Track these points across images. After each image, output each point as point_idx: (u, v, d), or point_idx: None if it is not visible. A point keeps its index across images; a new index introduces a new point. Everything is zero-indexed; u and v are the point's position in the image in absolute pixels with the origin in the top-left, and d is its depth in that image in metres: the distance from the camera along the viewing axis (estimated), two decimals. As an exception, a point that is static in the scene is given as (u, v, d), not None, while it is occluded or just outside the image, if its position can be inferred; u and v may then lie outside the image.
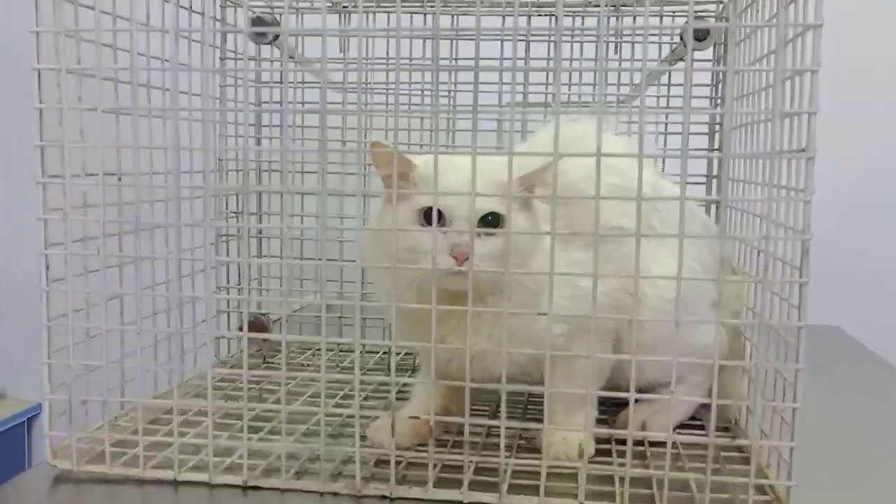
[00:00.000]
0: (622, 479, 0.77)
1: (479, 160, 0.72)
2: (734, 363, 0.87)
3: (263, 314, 1.18)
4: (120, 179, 0.86)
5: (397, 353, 1.20)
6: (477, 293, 0.76)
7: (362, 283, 1.19)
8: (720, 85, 1.17)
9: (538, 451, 0.84)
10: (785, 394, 0.74)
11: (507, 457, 0.76)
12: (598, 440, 0.89)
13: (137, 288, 0.84)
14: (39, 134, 0.80)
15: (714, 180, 1.20)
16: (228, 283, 1.23)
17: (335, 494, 0.78)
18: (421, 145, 1.25)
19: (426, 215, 0.78)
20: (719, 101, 1.16)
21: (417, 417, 0.77)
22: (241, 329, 1.14)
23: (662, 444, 0.88)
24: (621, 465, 0.80)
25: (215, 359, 1.22)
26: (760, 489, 0.75)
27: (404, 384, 0.99)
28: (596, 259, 0.71)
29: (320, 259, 0.80)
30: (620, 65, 1.18)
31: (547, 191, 0.78)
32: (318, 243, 0.75)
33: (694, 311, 0.89)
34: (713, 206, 1.18)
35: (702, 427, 0.94)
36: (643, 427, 0.90)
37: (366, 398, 1.06)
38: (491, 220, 0.79)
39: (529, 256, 0.80)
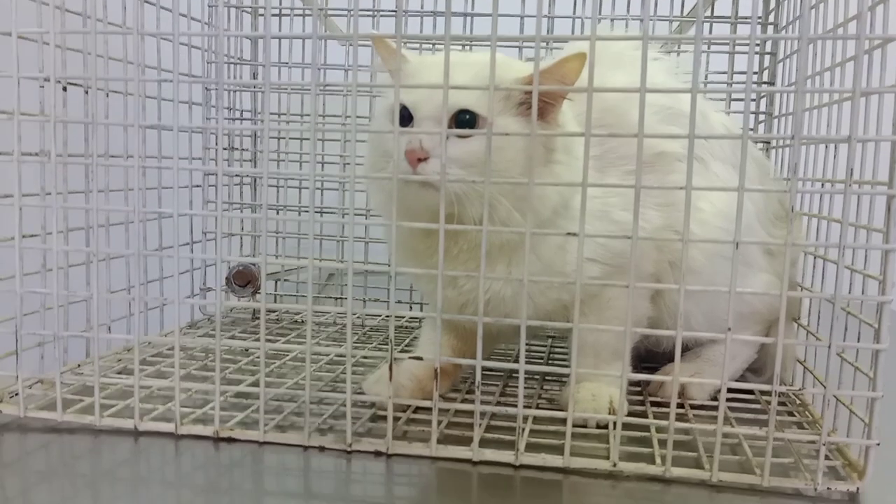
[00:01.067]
0: (662, 442, 0.65)
1: (474, 56, 0.60)
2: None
3: (254, 263, 1.07)
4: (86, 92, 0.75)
5: (399, 318, 1.11)
6: (461, 218, 0.63)
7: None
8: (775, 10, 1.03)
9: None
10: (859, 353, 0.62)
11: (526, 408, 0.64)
12: (630, 401, 0.78)
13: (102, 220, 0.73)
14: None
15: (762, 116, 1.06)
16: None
17: (321, 449, 0.66)
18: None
19: (402, 117, 0.65)
20: (771, 24, 1.03)
21: (420, 358, 0.65)
22: (226, 280, 1.04)
23: (703, 406, 0.77)
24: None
25: (199, 312, 1.11)
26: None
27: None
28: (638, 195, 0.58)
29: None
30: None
31: (573, 98, 0.66)
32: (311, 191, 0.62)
33: (746, 259, 0.77)
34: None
35: (749, 391, 0.81)
36: (682, 390, 0.78)
37: (364, 356, 0.93)
38: (467, 120, 0.64)
39: (523, 173, 0.62)
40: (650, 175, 0.71)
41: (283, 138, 1.14)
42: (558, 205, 0.66)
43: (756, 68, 1.03)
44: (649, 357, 0.84)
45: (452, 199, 0.62)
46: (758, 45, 1.01)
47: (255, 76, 1.14)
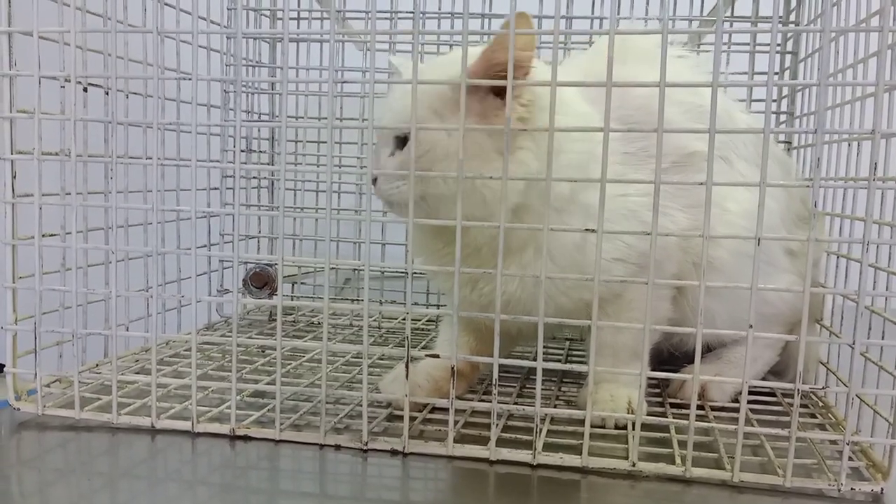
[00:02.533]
0: (682, 443, 0.64)
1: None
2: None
3: (271, 265, 1.07)
4: (107, 93, 0.76)
5: (415, 321, 1.10)
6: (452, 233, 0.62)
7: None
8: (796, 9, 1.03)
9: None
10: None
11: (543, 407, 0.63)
12: (649, 402, 0.76)
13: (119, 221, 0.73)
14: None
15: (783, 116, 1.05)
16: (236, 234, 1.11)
17: (337, 448, 0.65)
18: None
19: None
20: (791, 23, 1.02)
21: (437, 356, 0.65)
22: (243, 282, 1.05)
23: (724, 408, 0.76)
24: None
25: (216, 314, 1.11)
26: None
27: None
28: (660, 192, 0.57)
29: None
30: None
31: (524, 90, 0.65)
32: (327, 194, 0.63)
33: (769, 259, 0.76)
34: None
35: (771, 394, 0.80)
36: (702, 392, 0.77)
37: (381, 357, 0.93)
38: (400, 139, 0.68)
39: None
40: (679, 175, 0.70)
41: (301, 141, 1.14)
42: (527, 195, 0.66)
43: (777, 67, 1.02)
44: (670, 360, 0.83)
45: (404, 210, 0.64)
46: (778, 44, 1.01)
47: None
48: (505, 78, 0.58)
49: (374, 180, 0.68)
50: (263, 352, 0.95)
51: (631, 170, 0.69)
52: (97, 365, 0.82)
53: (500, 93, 0.63)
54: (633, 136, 0.66)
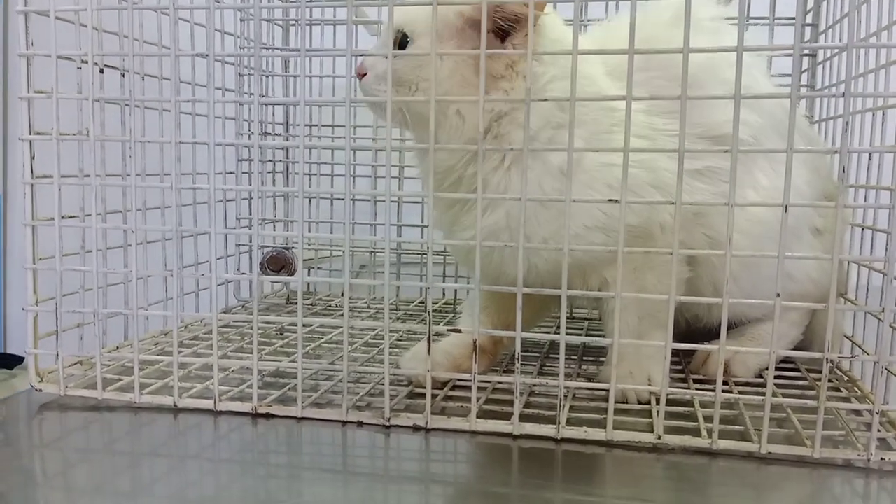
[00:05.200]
0: (707, 417, 0.63)
1: None
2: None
3: (287, 248, 1.07)
4: (123, 75, 0.76)
5: (433, 303, 1.10)
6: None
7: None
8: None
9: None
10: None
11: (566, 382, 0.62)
12: (672, 378, 0.76)
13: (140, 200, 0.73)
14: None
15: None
16: (251, 214, 1.11)
17: (360, 424, 0.65)
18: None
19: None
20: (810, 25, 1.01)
21: (459, 331, 0.64)
22: (260, 265, 1.05)
23: (748, 383, 0.75)
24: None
25: (233, 298, 1.11)
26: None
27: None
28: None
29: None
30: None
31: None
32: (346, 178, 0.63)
33: (796, 233, 0.75)
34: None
35: (795, 370, 0.79)
36: (725, 367, 0.76)
37: (399, 338, 0.93)
38: (405, 41, 0.67)
39: (449, 92, 0.65)
40: (706, 154, 0.68)
41: (316, 125, 1.14)
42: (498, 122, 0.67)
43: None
44: (689, 335, 0.82)
45: (382, 114, 0.66)
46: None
47: (286, 64, 1.14)
48: (503, 28, 0.63)
49: (362, 75, 0.69)
50: (282, 334, 0.95)
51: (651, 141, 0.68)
52: (117, 347, 0.83)
53: (500, 35, 0.65)
54: (669, 108, 0.65)
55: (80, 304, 0.74)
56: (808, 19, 1.01)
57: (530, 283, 0.63)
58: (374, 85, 0.68)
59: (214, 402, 0.67)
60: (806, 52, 1.01)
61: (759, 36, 0.99)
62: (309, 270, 1.19)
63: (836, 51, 0.89)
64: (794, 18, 0.95)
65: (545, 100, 0.63)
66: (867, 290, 0.77)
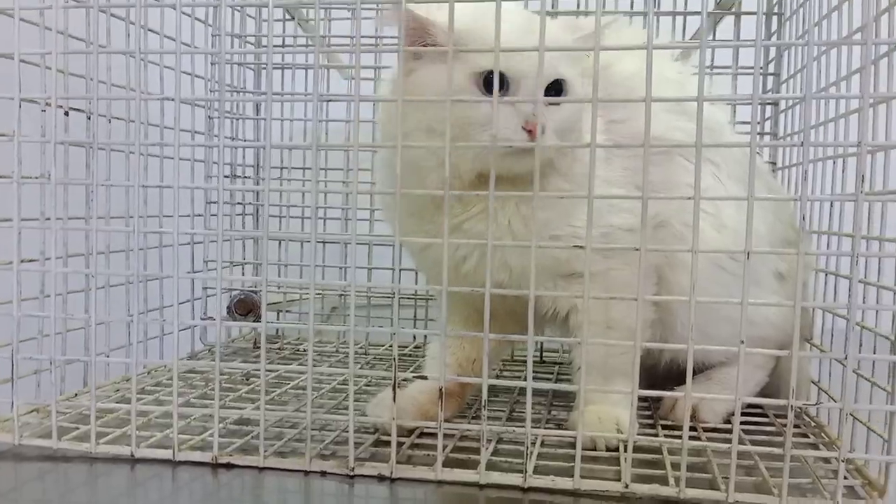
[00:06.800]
0: (675, 464, 0.63)
1: (524, 16, 0.61)
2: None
3: (256, 291, 1.06)
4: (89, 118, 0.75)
5: (402, 347, 1.09)
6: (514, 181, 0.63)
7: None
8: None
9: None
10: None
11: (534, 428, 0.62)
12: (641, 425, 0.76)
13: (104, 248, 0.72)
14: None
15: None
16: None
17: (323, 474, 0.63)
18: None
19: (486, 81, 0.63)
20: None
21: (425, 377, 0.63)
22: (228, 309, 1.03)
23: (716, 429, 0.75)
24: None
25: (200, 343, 1.09)
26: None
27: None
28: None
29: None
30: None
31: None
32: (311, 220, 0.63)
33: (756, 279, 0.76)
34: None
35: (763, 415, 0.79)
36: (693, 413, 0.76)
37: (368, 383, 0.92)
38: (556, 88, 0.65)
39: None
40: (656, 168, 0.68)
41: (286, 168, 1.14)
42: None
43: (759, 90, 1.03)
44: (663, 381, 0.81)
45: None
46: (761, 67, 1.02)
47: (258, 107, 1.14)
48: None
49: (530, 131, 0.62)
50: (248, 380, 0.93)
51: (602, 154, 0.68)
52: (76, 394, 0.80)
53: None
54: (609, 115, 0.66)
55: (39, 349, 0.72)
56: (771, 69, 1.03)
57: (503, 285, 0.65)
58: (550, 140, 0.63)
59: (173, 452, 0.65)
60: (768, 101, 1.03)
61: (724, 85, 1.02)
62: (278, 314, 1.18)
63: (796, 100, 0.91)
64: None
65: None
66: (832, 334, 0.78)
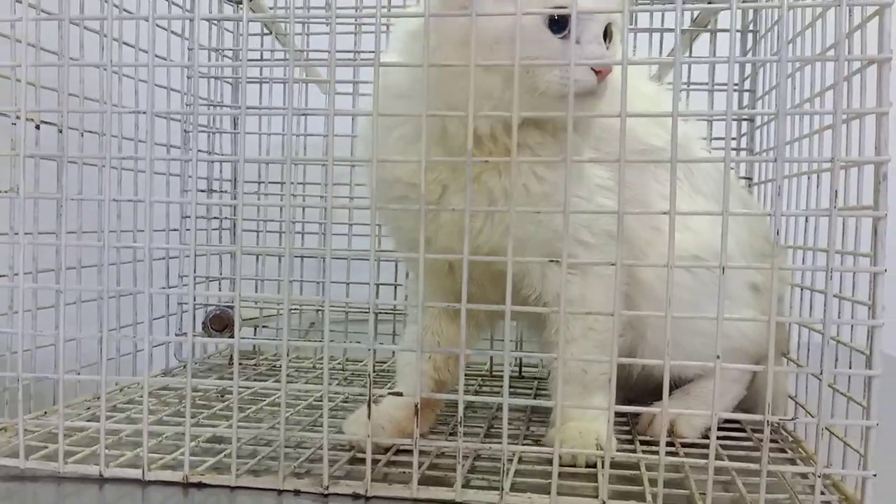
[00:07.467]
0: (652, 480, 0.62)
1: None
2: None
3: (232, 307, 1.04)
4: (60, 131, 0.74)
5: (380, 363, 1.08)
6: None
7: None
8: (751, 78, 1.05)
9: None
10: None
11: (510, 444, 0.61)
12: (619, 440, 0.75)
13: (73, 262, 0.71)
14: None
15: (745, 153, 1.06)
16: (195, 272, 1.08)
17: (297, 493, 0.62)
18: None
19: (553, 21, 0.62)
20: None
21: (400, 394, 0.63)
22: (203, 325, 1.02)
23: (694, 444, 0.75)
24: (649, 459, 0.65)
25: (174, 359, 1.08)
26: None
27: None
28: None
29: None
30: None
31: None
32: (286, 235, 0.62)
33: (730, 293, 0.75)
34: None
35: (740, 430, 0.79)
36: (670, 427, 0.76)
37: (345, 399, 0.90)
38: (606, 34, 0.65)
39: None
40: (630, 169, 0.68)
41: (263, 182, 1.13)
42: None
43: (735, 106, 1.03)
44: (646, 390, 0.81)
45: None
46: (736, 84, 1.03)
47: (235, 121, 1.14)
48: None
49: (599, 72, 0.62)
50: (222, 396, 0.92)
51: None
52: (45, 413, 0.79)
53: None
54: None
55: (6, 367, 0.71)
56: (747, 86, 1.04)
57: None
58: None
59: (143, 472, 0.64)
60: (743, 117, 1.04)
61: (700, 101, 1.02)
62: (255, 330, 1.16)
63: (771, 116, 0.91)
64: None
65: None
66: (808, 348, 0.78)
